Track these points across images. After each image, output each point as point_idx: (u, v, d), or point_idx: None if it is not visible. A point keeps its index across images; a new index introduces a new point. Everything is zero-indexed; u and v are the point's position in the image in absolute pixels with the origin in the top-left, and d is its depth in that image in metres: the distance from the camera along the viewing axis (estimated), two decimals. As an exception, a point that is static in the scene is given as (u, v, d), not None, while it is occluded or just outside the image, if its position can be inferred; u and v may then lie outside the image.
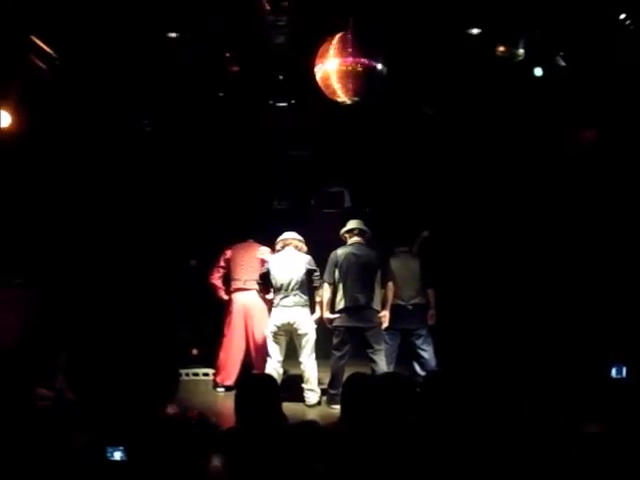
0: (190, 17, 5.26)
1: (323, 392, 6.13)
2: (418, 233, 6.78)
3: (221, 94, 6.39)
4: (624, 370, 4.28)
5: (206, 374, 7.03)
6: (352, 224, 6.25)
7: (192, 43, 5.46)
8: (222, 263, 6.70)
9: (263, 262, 6.38)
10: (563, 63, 5.50)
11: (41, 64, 5.19)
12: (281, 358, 6.12)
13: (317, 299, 6.18)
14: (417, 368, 6.31)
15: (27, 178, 5.82)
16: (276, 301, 6.10)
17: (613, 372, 4.28)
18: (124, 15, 5.09)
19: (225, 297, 6.72)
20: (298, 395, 6.06)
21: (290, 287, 6.02)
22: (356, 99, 5.16)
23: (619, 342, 5.25)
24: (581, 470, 2.64)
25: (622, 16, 4.87)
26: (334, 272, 6.07)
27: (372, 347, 5.94)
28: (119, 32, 5.23)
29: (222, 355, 6.62)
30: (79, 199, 6.36)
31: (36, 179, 5.91)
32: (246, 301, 6.59)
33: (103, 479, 2.76)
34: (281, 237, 6.24)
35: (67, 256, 6.19)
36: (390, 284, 6.19)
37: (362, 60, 4.93)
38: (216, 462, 2.68)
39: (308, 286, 6.14)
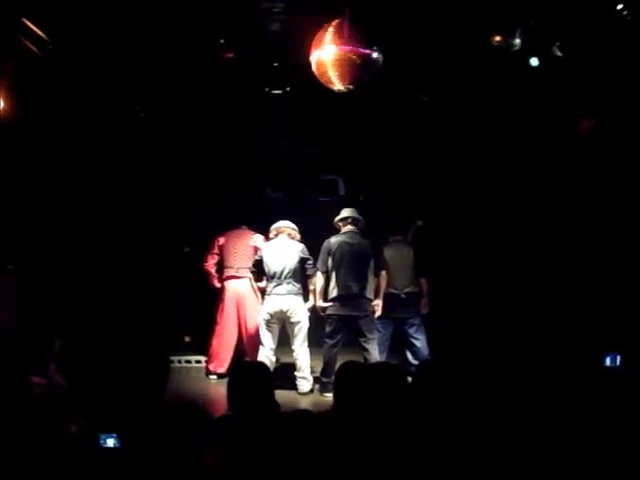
0: (184, 2, 5.22)
1: (315, 380, 6.15)
2: (412, 222, 6.78)
3: (214, 82, 6.35)
4: (618, 359, 4.28)
5: (198, 361, 7.04)
6: (346, 212, 6.24)
7: (186, 29, 5.42)
8: (216, 250, 6.68)
9: (256, 249, 6.38)
10: (559, 53, 5.49)
11: (34, 48, 5.14)
12: (274, 346, 6.12)
13: (310, 287, 6.18)
14: (410, 357, 6.33)
15: (19, 163, 5.78)
16: (269, 289, 6.09)
17: (607, 361, 4.28)
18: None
19: (218, 285, 6.71)
20: (290, 383, 6.07)
21: (283, 275, 6.02)
22: (351, 87, 5.14)
23: (613, 330, 5.27)
24: (578, 461, 2.66)
25: (619, 7, 4.86)
26: (327, 260, 6.07)
27: (365, 336, 5.94)
28: (112, 17, 5.19)
29: (214, 343, 6.62)
30: (72, 185, 6.33)
31: (28, 164, 5.88)
32: (239, 289, 6.58)
33: (96, 466, 2.76)
34: (275, 225, 6.23)
35: (59, 243, 6.16)
36: (383, 273, 6.20)
37: (358, 48, 4.92)
38: None
39: (301, 274, 6.14)
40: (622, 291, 5.63)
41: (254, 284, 6.54)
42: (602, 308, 5.62)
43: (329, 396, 5.45)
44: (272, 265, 6.06)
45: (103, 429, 2.87)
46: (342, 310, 5.99)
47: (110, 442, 2.83)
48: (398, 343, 6.44)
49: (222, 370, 6.49)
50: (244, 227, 6.73)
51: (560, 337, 5.64)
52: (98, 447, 2.81)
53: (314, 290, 6.14)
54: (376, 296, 6.13)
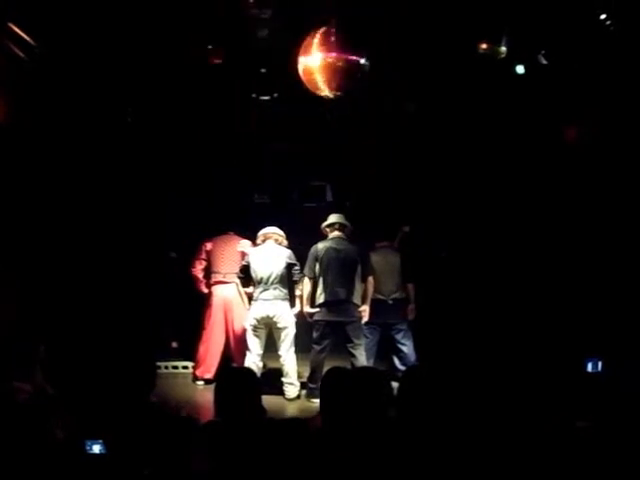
0: (173, 7, 5.22)
1: (303, 386, 6.15)
2: (399, 228, 6.81)
3: (201, 87, 6.35)
4: (599, 364, 4.32)
5: (185, 367, 7.01)
6: (333, 218, 6.25)
7: (175, 34, 5.42)
8: (203, 255, 6.68)
9: (243, 255, 6.38)
10: (545, 61, 5.54)
11: (20, 52, 5.11)
12: (261, 352, 6.12)
13: (297, 293, 6.19)
14: (396, 362, 6.34)
15: (6, 167, 5.74)
16: (256, 294, 6.09)
17: (589, 367, 4.31)
18: (105, 3, 5.05)
19: (205, 290, 6.71)
20: (278, 389, 6.07)
21: (270, 281, 6.02)
22: (338, 93, 5.16)
23: (594, 336, 5.31)
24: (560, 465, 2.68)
25: (603, 16, 4.92)
26: (314, 266, 6.08)
27: (352, 341, 5.95)
28: (100, 21, 5.18)
29: (202, 348, 6.60)
30: (59, 189, 6.29)
31: (12, 168, 5.83)
32: (226, 294, 6.57)
33: (82, 472, 2.75)
34: (262, 231, 6.24)
35: (45, 247, 6.12)
36: (370, 279, 6.21)
37: (345, 55, 4.94)
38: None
39: (288, 280, 6.14)
40: (604, 298, 5.67)
41: (241, 289, 6.53)
42: (584, 314, 5.66)
43: (316, 402, 5.44)
44: (259, 271, 6.06)
45: (89, 435, 2.86)
46: (329, 316, 6.00)
47: (96, 448, 2.82)
48: (385, 349, 6.46)
49: (209, 376, 6.48)
50: (231, 232, 6.73)
51: (544, 343, 5.68)
52: (84, 453, 2.80)
53: (301, 296, 6.14)
54: (363, 302, 6.14)
